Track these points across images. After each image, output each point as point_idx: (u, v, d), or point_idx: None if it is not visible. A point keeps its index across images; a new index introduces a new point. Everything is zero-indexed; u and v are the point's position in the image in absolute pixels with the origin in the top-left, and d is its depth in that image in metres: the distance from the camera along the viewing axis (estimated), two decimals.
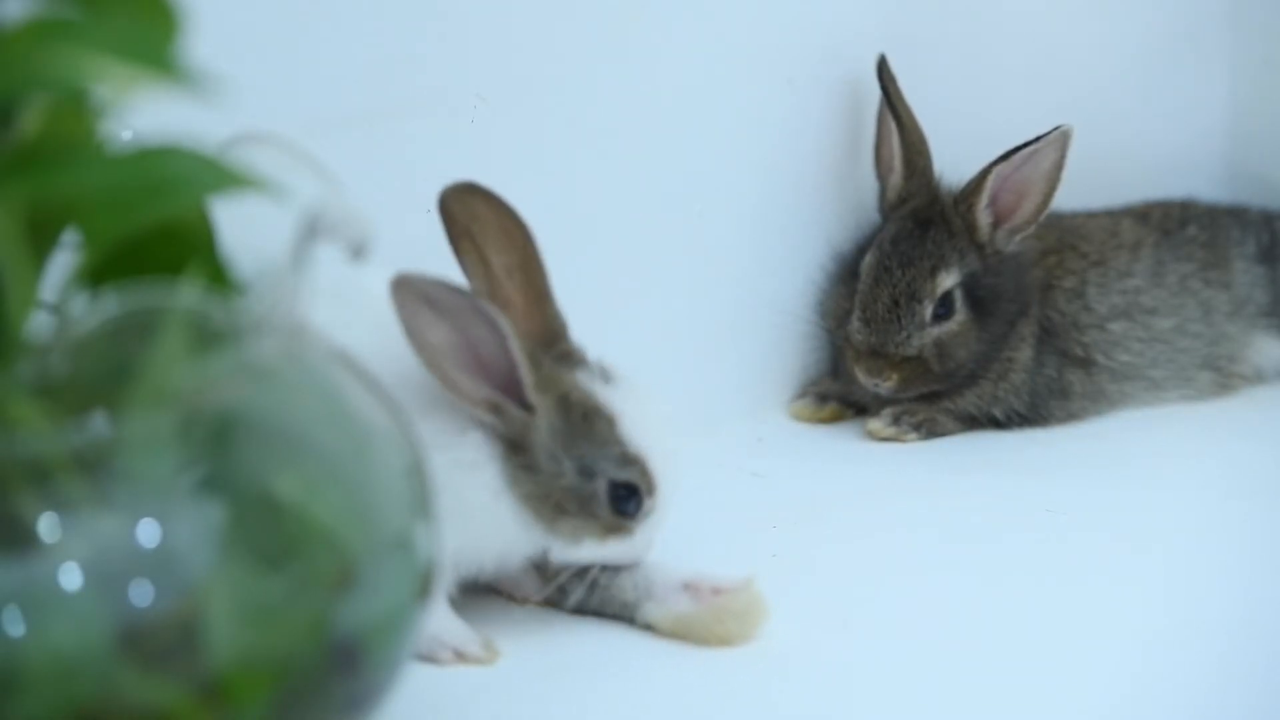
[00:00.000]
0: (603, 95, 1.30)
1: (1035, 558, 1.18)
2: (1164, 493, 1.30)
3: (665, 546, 1.06)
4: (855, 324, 1.40)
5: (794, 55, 1.42)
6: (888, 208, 1.45)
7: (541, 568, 1.07)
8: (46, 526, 0.69)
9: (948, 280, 1.40)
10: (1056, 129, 1.38)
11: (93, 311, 0.76)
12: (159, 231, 0.75)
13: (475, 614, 1.06)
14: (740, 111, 1.39)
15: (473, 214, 1.01)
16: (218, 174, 0.71)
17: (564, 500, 1.02)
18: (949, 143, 1.45)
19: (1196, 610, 1.10)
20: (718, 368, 1.42)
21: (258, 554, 0.72)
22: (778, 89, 1.42)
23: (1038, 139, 1.38)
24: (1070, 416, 1.46)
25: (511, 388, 1.00)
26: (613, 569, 1.06)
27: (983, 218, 1.42)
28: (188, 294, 0.75)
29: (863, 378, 1.40)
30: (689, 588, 1.06)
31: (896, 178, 1.44)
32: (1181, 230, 1.53)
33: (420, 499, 0.80)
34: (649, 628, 1.06)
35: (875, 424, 1.42)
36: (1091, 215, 1.54)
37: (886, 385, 1.40)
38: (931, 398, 1.42)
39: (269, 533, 0.73)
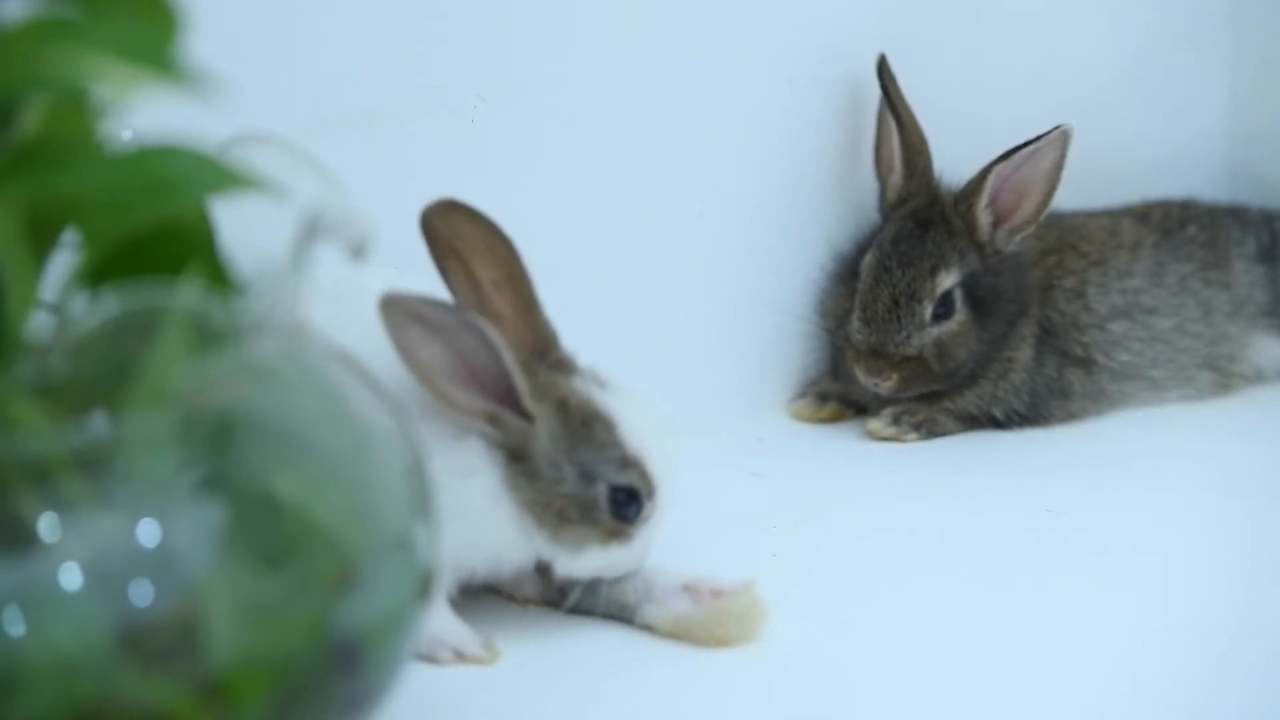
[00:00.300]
0: (602, 95, 1.30)
1: (1035, 558, 1.18)
2: (1164, 493, 1.30)
3: (665, 546, 1.06)
4: (855, 324, 1.40)
5: (794, 55, 1.42)
6: (888, 208, 1.45)
7: (542, 569, 1.07)
8: (46, 526, 0.69)
9: (948, 280, 1.40)
10: (1056, 129, 1.38)
11: (93, 311, 0.76)
12: (159, 231, 0.75)
13: (475, 614, 1.05)
14: (740, 111, 1.39)
15: (456, 231, 1.01)
16: (218, 174, 0.71)
17: (565, 507, 1.01)
18: (949, 143, 1.45)
19: (1196, 610, 1.10)
20: (718, 368, 1.42)
21: (258, 554, 0.72)
22: (778, 89, 1.42)
23: (1037, 139, 1.38)
24: (1070, 416, 1.46)
25: (508, 398, 1.00)
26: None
27: (983, 217, 1.41)
28: (188, 294, 0.75)
29: (863, 378, 1.40)
30: (689, 590, 1.06)
31: (896, 178, 1.44)
32: (1181, 230, 1.53)
33: (420, 499, 0.80)
34: (649, 629, 1.06)
35: (875, 424, 1.42)
36: (1091, 215, 1.53)
37: (886, 385, 1.39)
38: (931, 398, 1.42)
39: (269, 533, 0.73)
